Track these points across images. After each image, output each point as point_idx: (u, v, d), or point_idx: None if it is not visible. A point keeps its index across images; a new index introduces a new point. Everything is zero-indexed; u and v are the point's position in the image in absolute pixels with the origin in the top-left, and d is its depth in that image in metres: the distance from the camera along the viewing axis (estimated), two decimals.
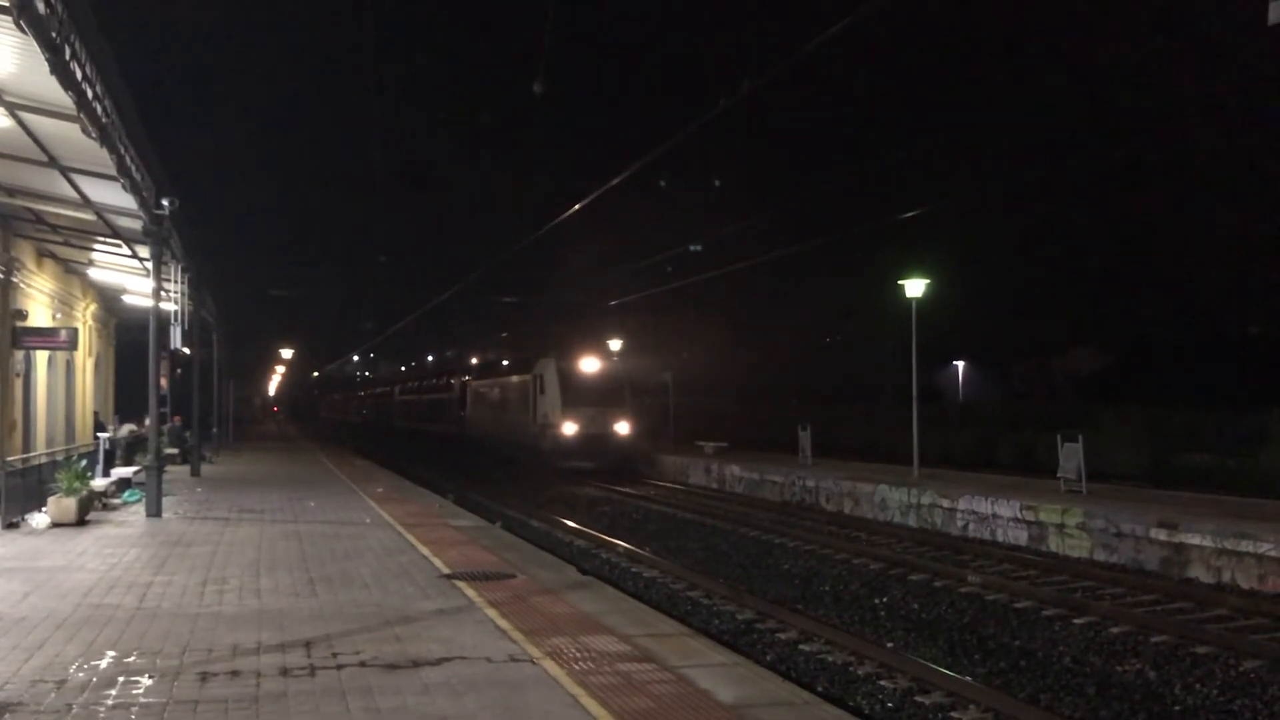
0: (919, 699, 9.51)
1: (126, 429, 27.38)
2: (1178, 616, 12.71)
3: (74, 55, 9.34)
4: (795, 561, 17.34)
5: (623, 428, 34.88)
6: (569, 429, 34.22)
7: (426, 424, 58.28)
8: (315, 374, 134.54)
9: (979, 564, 16.58)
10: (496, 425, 42.37)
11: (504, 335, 63.07)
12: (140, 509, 17.36)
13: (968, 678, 10.18)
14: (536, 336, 52.03)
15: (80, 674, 7.21)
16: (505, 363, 45.53)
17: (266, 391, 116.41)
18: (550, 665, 7.61)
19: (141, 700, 6.62)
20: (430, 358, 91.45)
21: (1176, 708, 9.51)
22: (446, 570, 11.77)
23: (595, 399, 34.79)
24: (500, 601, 9.97)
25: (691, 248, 41.91)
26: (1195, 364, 41.58)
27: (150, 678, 7.14)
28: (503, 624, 8.96)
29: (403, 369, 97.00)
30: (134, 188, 14.06)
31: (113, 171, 13.05)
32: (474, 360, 56.75)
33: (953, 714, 9.09)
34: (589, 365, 36.09)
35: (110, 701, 6.58)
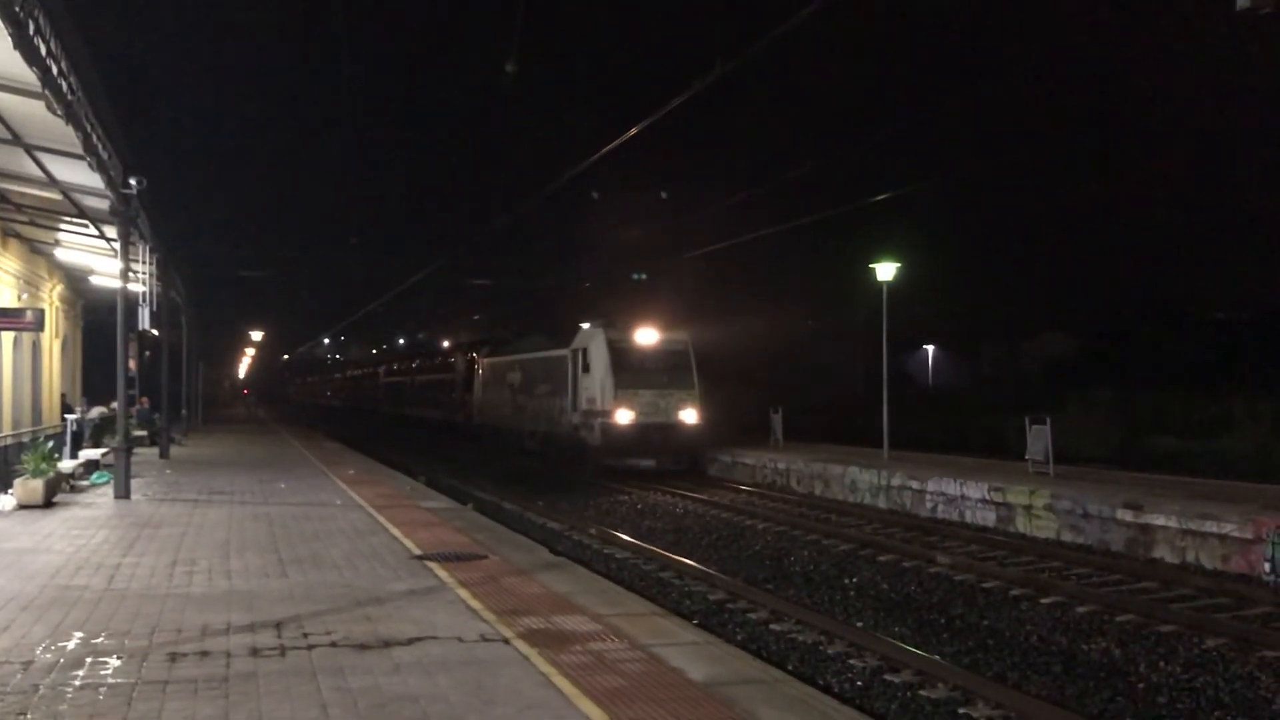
0: (888, 677, 9.60)
1: (96, 411, 27.13)
2: (1142, 596, 12.87)
3: (38, 30, 9.21)
4: (766, 542, 17.42)
5: (689, 416, 27.93)
6: (623, 417, 27.22)
7: (421, 409, 52.21)
8: (285, 356, 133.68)
9: (948, 545, 16.71)
10: (517, 413, 35.54)
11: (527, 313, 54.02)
12: (108, 491, 17.22)
13: (936, 656, 10.28)
14: (570, 303, 43.95)
15: (47, 655, 7.16)
16: (530, 336, 37.85)
17: (237, 374, 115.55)
18: (522, 645, 7.62)
19: (109, 681, 6.58)
20: (421, 336, 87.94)
21: (1141, 685, 9.64)
22: (418, 551, 11.76)
23: (657, 379, 28.03)
24: (472, 582, 9.97)
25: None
26: (1163, 349, 42.00)
27: (118, 658, 7.10)
28: (474, 604, 8.96)
29: (387, 347, 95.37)
30: (100, 166, 13.89)
31: (79, 150, 12.88)
32: (483, 336, 49.61)
33: (921, 691, 9.18)
34: (648, 336, 28.67)
35: (78, 682, 6.54)
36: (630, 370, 27.88)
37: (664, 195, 46.46)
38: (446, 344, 60.70)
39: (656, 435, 27.32)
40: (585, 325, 30.14)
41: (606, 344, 28.18)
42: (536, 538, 16.03)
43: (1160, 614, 11.78)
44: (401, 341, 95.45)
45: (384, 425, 56.59)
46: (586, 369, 28.79)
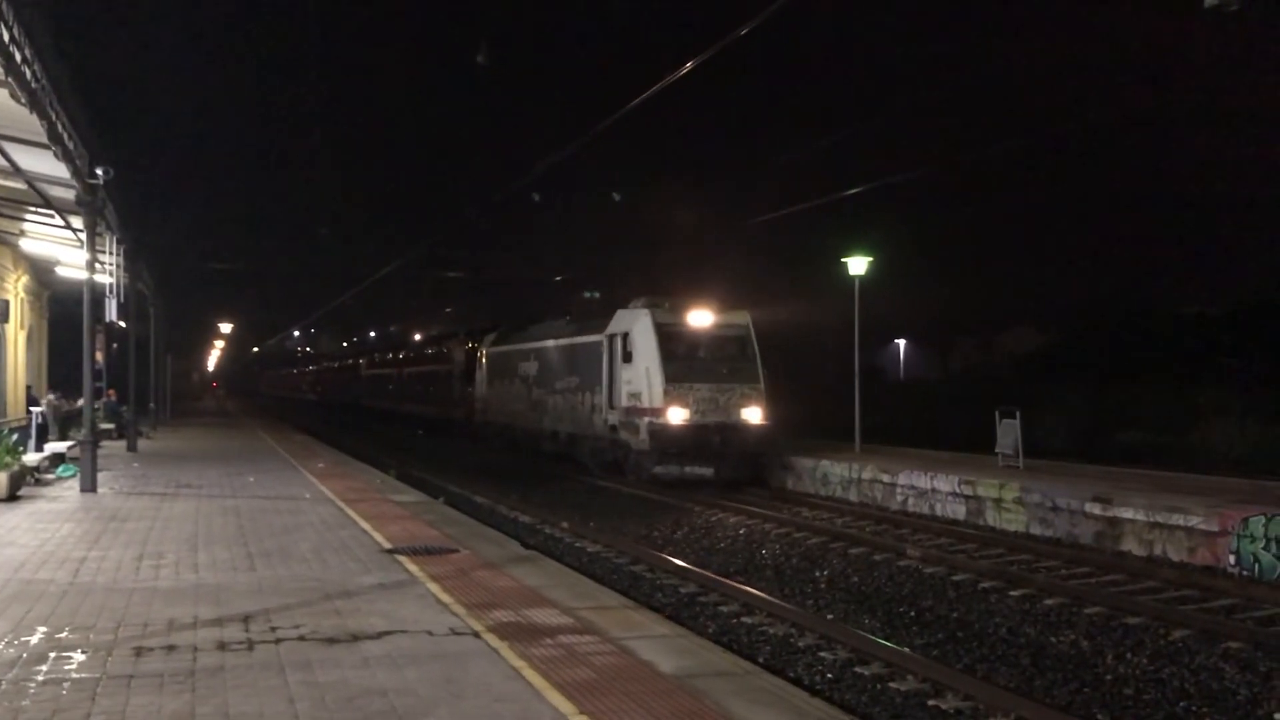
0: (858, 669, 9.64)
1: (46, 400, 26.75)
2: (1110, 588, 12.98)
3: (1, 17, 9.08)
4: (737, 535, 17.45)
5: (754, 414, 23.22)
6: (676, 416, 22.71)
7: (411, 405, 47.61)
8: (255, 349, 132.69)
9: (918, 538, 16.79)
10: (532, 410, 30.44)
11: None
12: (74, 484, 17.04)
13: (906, 649, 10.33)
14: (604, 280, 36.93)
15: (10, 650, 7.07)
16: (548, 321, 31.87)
17: (206, 367, 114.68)
18: (492, 638, 7.59)
19: (74, 676, 6.50)
20: (406, 324, 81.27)
21: (1108, 677, 9.72)
22: (388, 545, 11.69)
23: (715, 370, 23.51)
24: (442, 576, 9.93)
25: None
26: (1132, 343, 42.35)
27: (83, 653, 7.02)
28: (444, 598, 8.92)
29: (371, 336, 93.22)
30: (66, 156, 13.72)
31: (44, 139, 12.71)
32: (489, 322, 41.11)
33: (891, 684, 9.21)
34: (702, 318, 23.98)
35: (41, 678, 6.45)
36: (683, 359, 23.40)
37: (616, 197, 45.73)
38: (440, 331, 54.53)
39: (715, 438, 22.76)
40: (627, 306, 25.17)
41: (653, 327, 23.43)
42: (508, 532, 16.01)
43: (1127, 606, 11.88)
44: (390, 329, 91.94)
45: (365, 421, 54.26)
46: (628, 358, 24.06)
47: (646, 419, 23.14)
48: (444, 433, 40.45)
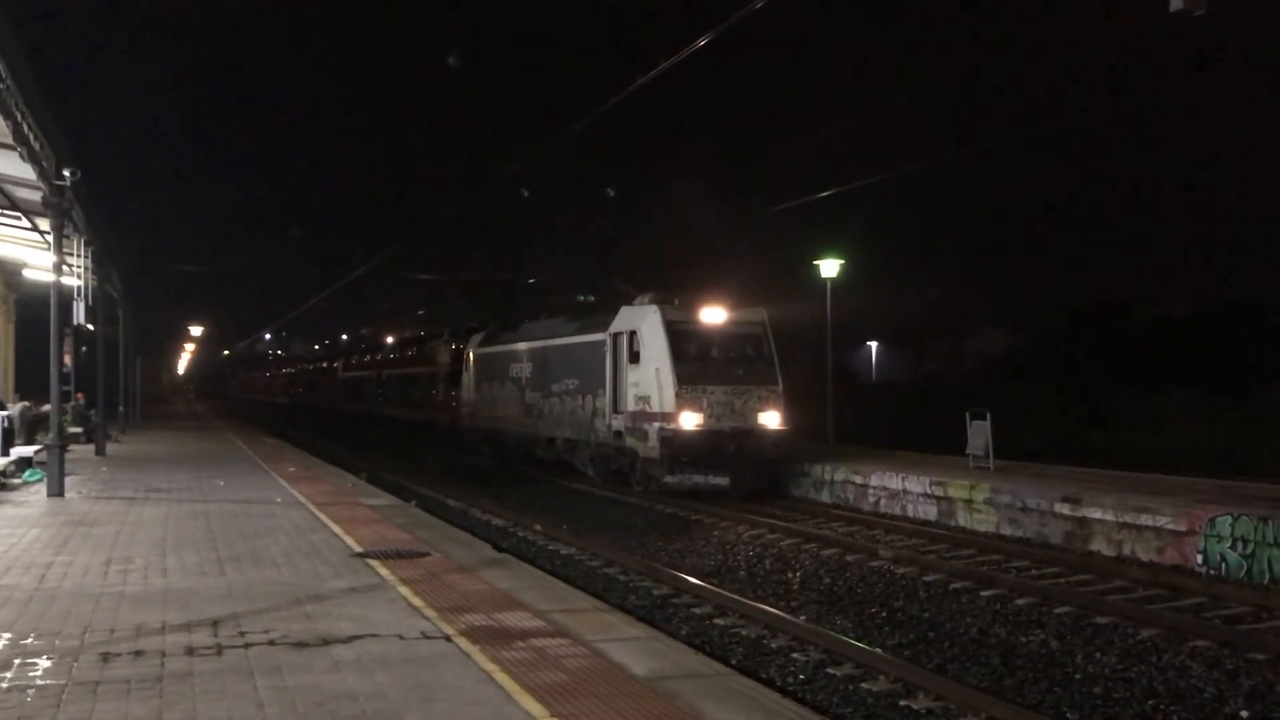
0: (830, 670, 9.67)
1: (13, 404, 26.46)
2: (1080, 588, 13.08)
3: None
4: (711, 537, 17.46)
5: (772, 419, 21.80)
6: (689, 422, 21.16)
7: (391, 409, 45.90)
8: (226, 352, 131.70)
9: (890, 538, 16.87)
10: (526, 415, 28.53)
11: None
12: (41, 489, 16.86)
13: (878, 649, 10.37)
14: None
15: None
16: (542, 320, 30.29)
17: (176, 370, 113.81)
18: (463, 642, 7.56)
19: (39, 683, 6.43)
20: (381, 326, 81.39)
21: (1078, 676, 9.79)
22: (359, 549, 11.63)
23: (730, 371, 21.95)
24: (413, 579, 9.88)
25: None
26: (1101, 346, 42.74)
27: (48, 659, 6.94)
28: (416, 601, 8.88)
29: (346, 338, 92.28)
30: (32, 157, 13.57)
31: (9, 139, 12.60)
32: (476, 321, 39.74)
33: (863, 684, 9.25)
34: (715, 315, 22.40)
35: (4, 685, 6.38)
36: (695, 359, 21.80)
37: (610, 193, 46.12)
38: (424, 331, 51.94)
39: (731, 445, 21.22)
40: (633, 302, 23.57)
41: (663, 325, 21.82)
42: (481, 535, 15.96)
43: (1097, 605, 11.97)
44: (369, 330, 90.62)
45: (339, 425, 52.55)
46: (635, 358, 22.45)
47: (656, 424, 21.53)
48: (428, 438, 38.55)
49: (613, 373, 23.24)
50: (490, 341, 32.71)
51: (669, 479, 21.37)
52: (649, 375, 21.86)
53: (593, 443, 24.41)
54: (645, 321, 22.24)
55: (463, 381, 34.60)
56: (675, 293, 23.25)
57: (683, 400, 21.09)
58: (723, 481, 21.25)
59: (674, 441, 21.04)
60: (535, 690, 6.44)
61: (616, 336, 23.21)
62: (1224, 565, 13.73)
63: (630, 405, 22.43)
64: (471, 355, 33.75)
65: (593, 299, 26.89)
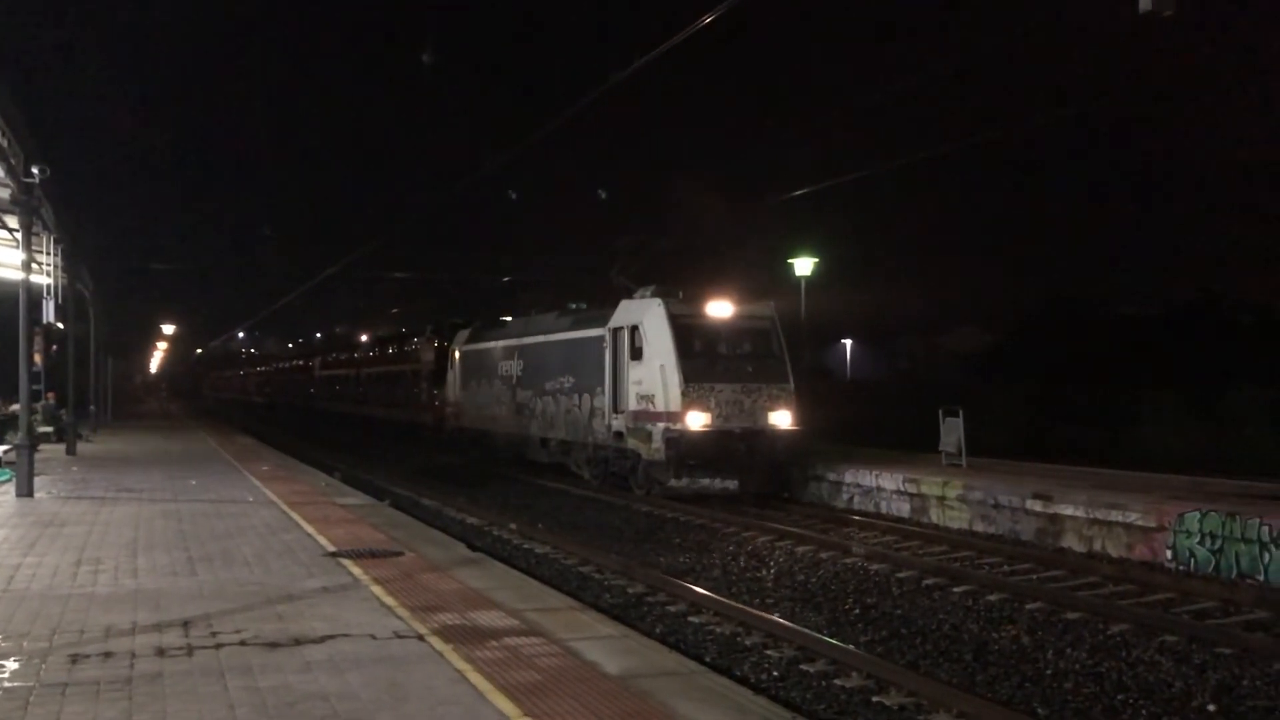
0: (804, 667, 9.69)
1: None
2: (1051, 584, 13.18)
3: None
4: (686, 535, 17.49)
5: (783, 419, 20.85)
6: (696, 421, 20.14)
7: (372, 408, 44.67)
8: (199, 350, 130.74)
9: (863, 535, 16.94)
10: (517, 414, 27.32)
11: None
12: (10, 489, 16.70)
13: (851, 646, 10.41)
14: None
15: None
16: (533, 315, 28.82)
17: (149, 369, 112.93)
18: (436, 641, 7.55)
19: (5, 685, 6.38)
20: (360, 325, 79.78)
21: (1048, 671, 9.86)
22: (332, 548, 11.59)
23: (738, 369, 20.94)
24: (386, 579, 9.86)
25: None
26: (1073, 343, 42.99)
27: (15, 661, 6.89)
28: (388, 601, 8.86)
29: (322, 335, 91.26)
30: (0, 154, 13.45)
31: None
32: (459, 319, 36.97)
33: (836, 680, 9.28)
34: (722, 309, 21.34)
35: None
36: (702, 356, 20.68)
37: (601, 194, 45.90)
38: (406, 328, 49.78)
39: (740, 446, 20.29)
40: (635, 296, 22.33)
41: (668, 319, 20.69)
42: (455, 534, 15.91)
43: (1067, 601, 12.06)
44: (348, 326, 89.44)
45: (314, 424, 51.82)
46: (637, 355, 21.26)
47: (661, 425, 20.38)
48: (411, 439, 37.35)
49: (613, 370, 22.12)
50: (478, 338, 31.34)
51: (674, 482, 20.61)
52: (653, 372, 20.76)
53: (590, 444, 23.37)
54: (648, 315, 21.13)
55: (448, 380, 33.28)
56: (684, 287, 22.08)
57: (689, 399, 20.09)
58: (731, 485, 20.61)
59: (680, 443, 20.03)
60: (508, 689, 6.43)
61: (617, 332, 22.07)
62: (1193, 561, 13.87)
63: (632, 405, 21.35)
64: (458, 352, 32.46)
65: (584, 306, 26.00)
